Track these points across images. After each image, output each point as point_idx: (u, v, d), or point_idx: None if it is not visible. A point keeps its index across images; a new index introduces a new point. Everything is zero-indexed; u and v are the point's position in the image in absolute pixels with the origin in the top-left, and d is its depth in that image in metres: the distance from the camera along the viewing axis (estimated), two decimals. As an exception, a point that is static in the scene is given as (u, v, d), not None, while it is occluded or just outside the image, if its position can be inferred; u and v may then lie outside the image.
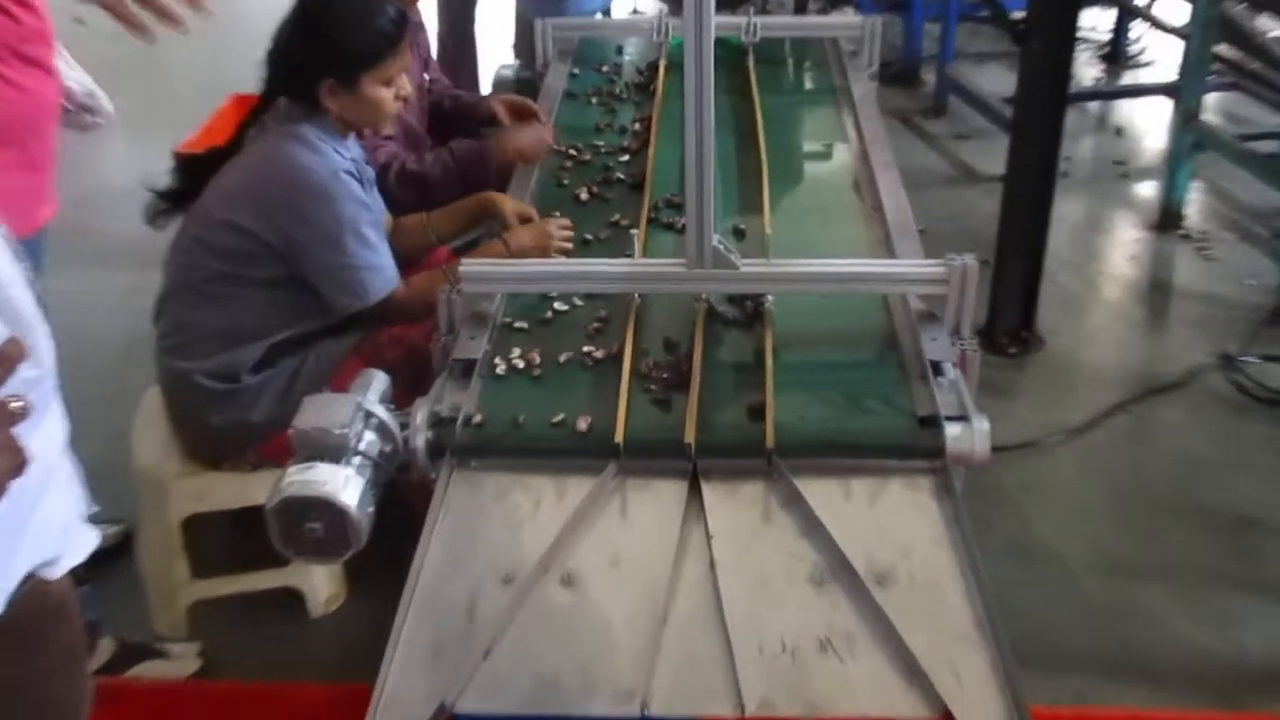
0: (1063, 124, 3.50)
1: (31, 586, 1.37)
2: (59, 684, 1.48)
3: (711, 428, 2.00)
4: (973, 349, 2.17)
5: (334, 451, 1.77)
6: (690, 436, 1.95)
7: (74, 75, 2.48)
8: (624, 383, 2.05)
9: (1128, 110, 5.39)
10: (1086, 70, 5.78)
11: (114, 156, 4.73)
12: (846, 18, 3.91)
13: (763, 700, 1.64)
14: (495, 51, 5.01)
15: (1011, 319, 3.66)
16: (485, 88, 4.39)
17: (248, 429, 2.50)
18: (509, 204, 2.72)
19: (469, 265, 2.23)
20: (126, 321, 3.64)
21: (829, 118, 3.21)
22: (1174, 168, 4.34)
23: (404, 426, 1.93)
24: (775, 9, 6.23)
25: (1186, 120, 4.28)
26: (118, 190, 4.17)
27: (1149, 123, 5.24)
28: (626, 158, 3.01)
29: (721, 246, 2.14)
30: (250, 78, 2.50)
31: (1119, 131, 5.21)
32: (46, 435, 1.35)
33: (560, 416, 2.02)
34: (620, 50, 3.67)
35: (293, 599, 2.67)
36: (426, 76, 3.26)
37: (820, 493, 1.90)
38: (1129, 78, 5.74)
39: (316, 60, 2.41)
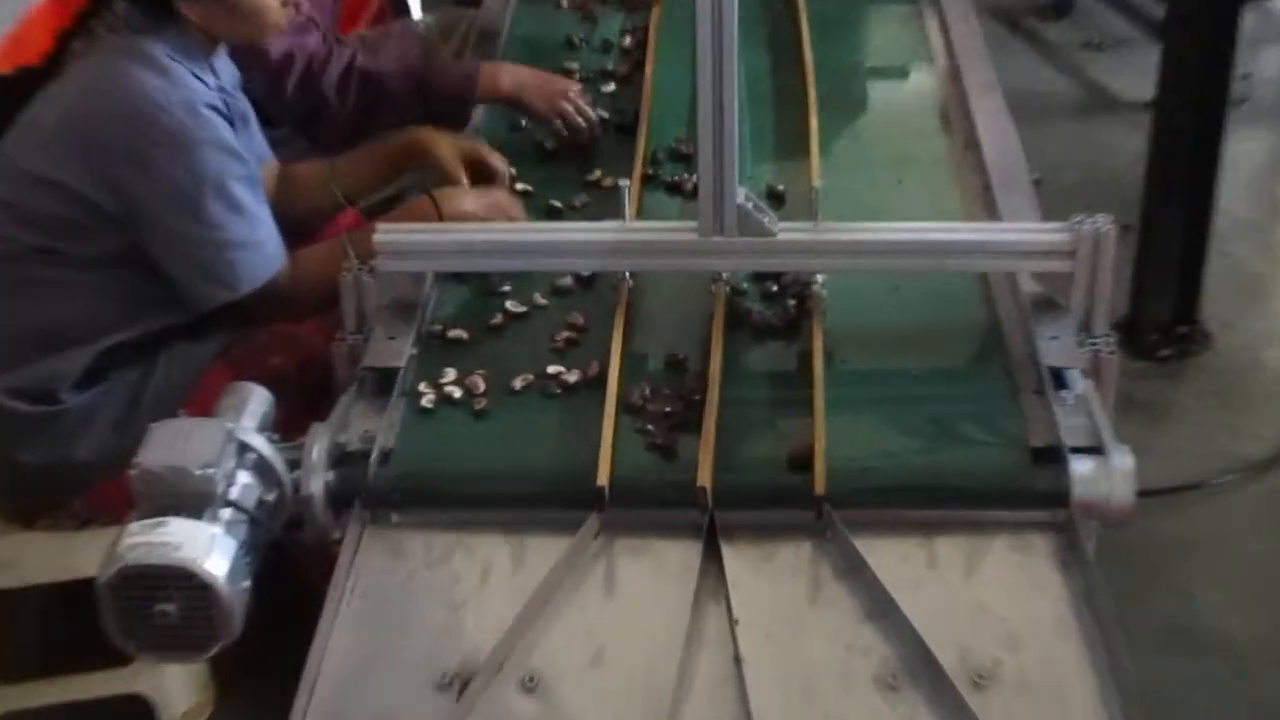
0: (1237, 28, 3.50)
1: None
2: None
3: (735, 465, 2.00)
4: (1109, 351, 2.17)
5: (194, 501, 1.77)
6: (705, 478, 1.95)
7: None
8: (608, 419, 2.05)
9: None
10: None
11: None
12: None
13: None
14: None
15: (1164, 307, 3.67)
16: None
17: (70, 469, 2.50)
18: (447, 147, 2.73)
19: (386, 232, 2.23)
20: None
21: (902, 22, 3.22)
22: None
23: (294, 465, 1.93)
24: None
25: None
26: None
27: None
28: (612, 87, 3.01)
29: (750, 205, 2.14)
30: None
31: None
32: None
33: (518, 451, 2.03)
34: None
35: (138, 713, 2.66)
36: None
37: (891, 558, 1.90)
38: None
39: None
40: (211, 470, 1.78)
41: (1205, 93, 3.54)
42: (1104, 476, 1.92)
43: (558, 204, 2.64)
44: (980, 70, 2.94)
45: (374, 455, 1.99)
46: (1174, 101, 3.61)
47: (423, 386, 2.15)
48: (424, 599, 1.91)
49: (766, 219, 2.16)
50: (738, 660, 1.81)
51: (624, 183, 2.28)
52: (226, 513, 1.79)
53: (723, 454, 2.00)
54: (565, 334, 2.26)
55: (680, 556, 1.93)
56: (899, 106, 2.94)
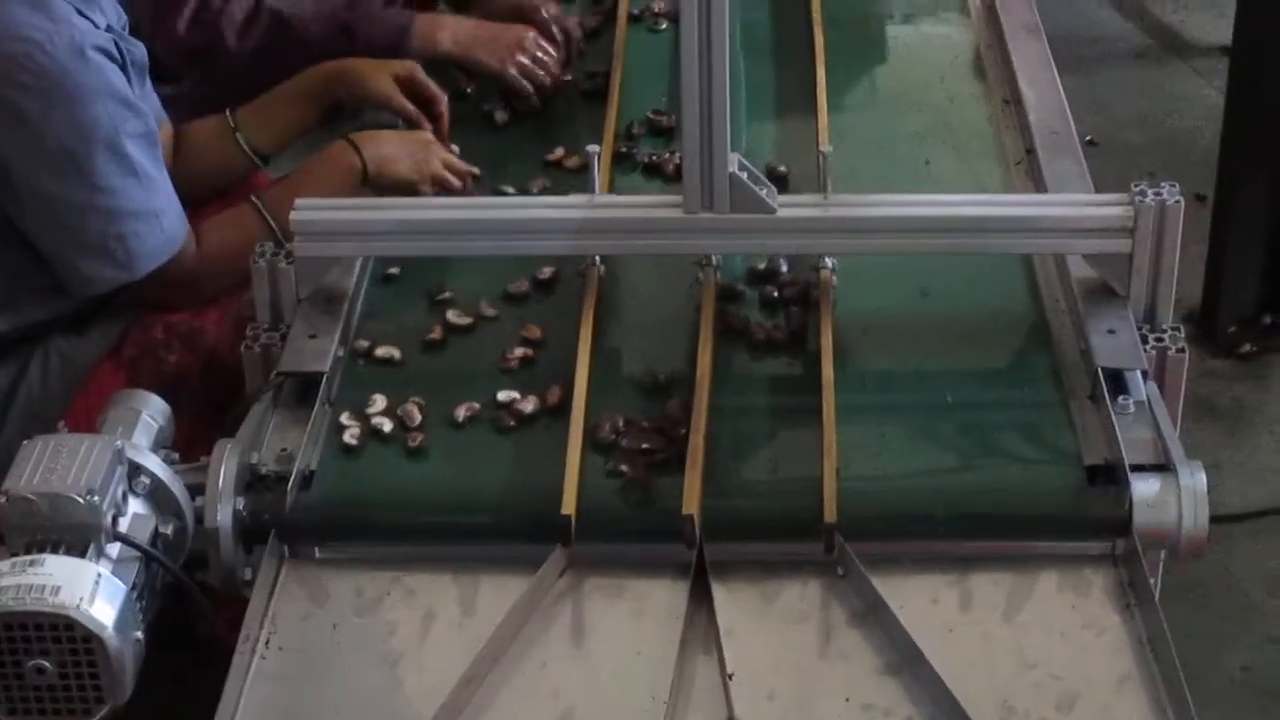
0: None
1: None
2: None
3: (729, 489, 2.01)
4: (1178, 348, 2.18)
5: (76, 534, 1.76)
6: (692, 505, 1.95)
7: None
8: (574, 455, 2.05)
9: None
10: None
11: None
12: None
13: None
14: None
15: (1246, 294, 3.67)
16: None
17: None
18: (379, 77, 2.73)
19: (306, 209, 2.23)
20: None
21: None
22: None
23: (196, 491, 1.93)
24: None
25: None
26: None
27: None
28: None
29: (744, 174, 2.15)
30: None
31: None
32: None
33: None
34: None
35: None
36: None
37: (918, 599, 1.91)
38: None
39: None
40: (96, 498, 1.77)
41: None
42: (1172, 500, 1.93)
43: (510, 189, 2.63)
44: (1021, 9, 2.96)
45: (292, 479, 2.00)
46: (1256, 46, 3.62)
47: (345, 418, 2.12)
48: (353, 652, 1.91)
49: (764, 191, 2.17)
50: (733, 725, 1.82)
51: (592, 149, 2.29)
52: (115, 549, 1.79)
53: (713, 475, 2.01)
54: (519, 351, 2.24)
55: (663, 599, 1.94)
56: (923, 55, 2.95)
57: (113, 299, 2.53)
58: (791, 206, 2.20)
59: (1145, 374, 2.11)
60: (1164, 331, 2.20)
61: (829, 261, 2.30)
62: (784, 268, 2.33)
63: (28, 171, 2.41)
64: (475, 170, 2.65)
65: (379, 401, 2.15)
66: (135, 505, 1.85)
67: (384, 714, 1.84)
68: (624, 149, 2.69)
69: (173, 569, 1.86)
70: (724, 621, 1.91)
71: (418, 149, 2.59)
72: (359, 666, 1.89)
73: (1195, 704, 1.78)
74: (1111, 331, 2.17)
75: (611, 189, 2.55)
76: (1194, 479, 1.94)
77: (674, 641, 1.88)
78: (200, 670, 1.98)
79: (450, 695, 1.82)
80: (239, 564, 1.96)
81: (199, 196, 2.68)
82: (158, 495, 1.87)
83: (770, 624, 1.91)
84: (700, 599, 1.94)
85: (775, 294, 2.30)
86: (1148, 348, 2.16)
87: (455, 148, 2.69)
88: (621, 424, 2.09)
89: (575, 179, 2.39)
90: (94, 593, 1.72)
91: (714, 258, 2.33)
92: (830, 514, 1.93)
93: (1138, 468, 1.96)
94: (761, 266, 2.34)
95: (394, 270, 2.38)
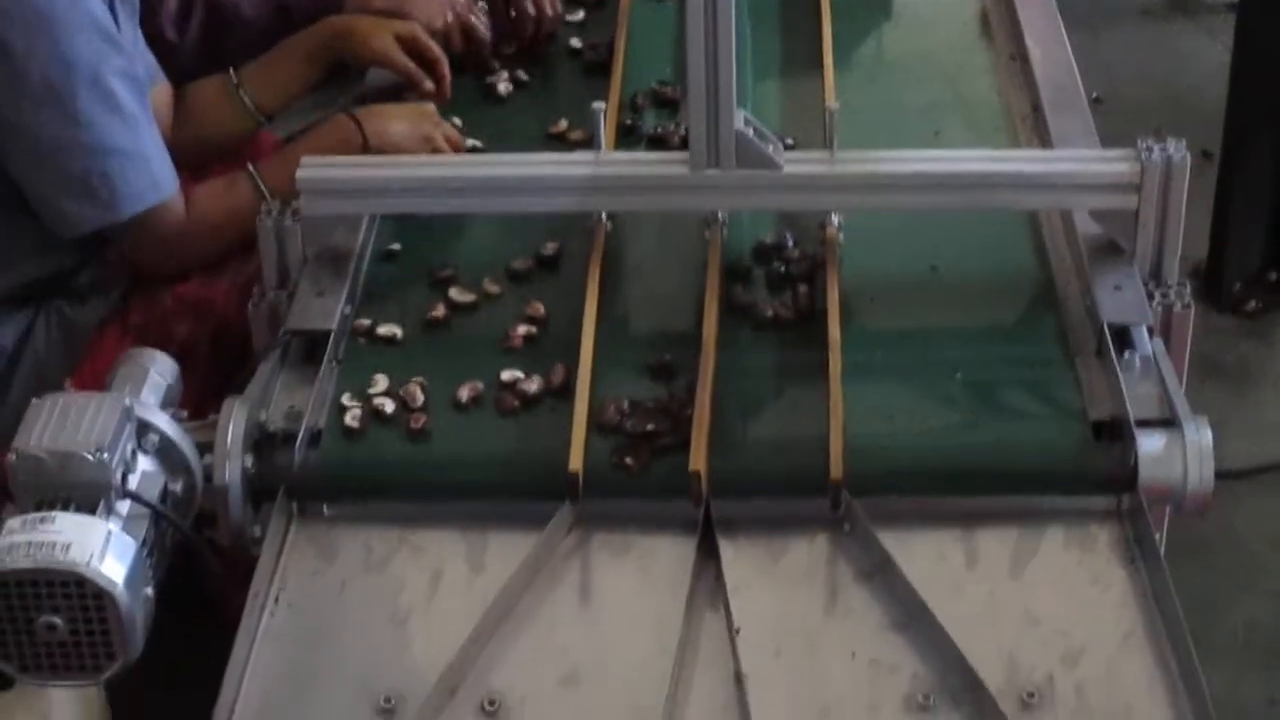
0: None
1: None
2: None
3: (736, 446, 2.02)
4: (1184, 304, 2.19)
5: (86, 492, 1.77)
6: (699, 462, 1.96)
7: None
8: (580, 412, 2.05)
9: None
10: None
11: None
12: None
13: None
14: None
15: (1251, 251, 3.68)
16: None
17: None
18: (380, 36, 2.72)
19: (311, 168, 2.24)
20: None
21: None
22: None
23: (205, 449, 1.94)
24: None
25: None
26: None
27: None
28: (580, 15, 3.00)
29: (751, 131, 2.15)
30: None
31: None
32: None
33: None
34: None
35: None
36: None
37: (925, 555, 1.92)
38: None
39: None
40: (106, 455, 1.78)
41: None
42: (1177, 455, 1.94)
43: None
44: (1028, -34, 2.95)
45: (301, 437, 2.01)
46: (1264, 3, 3.61)
47: (346, 399, 2.10)
48: (362, 610, 1.92)
49: (771, 147, 2.17)
50: (740, 680, 1.83)
51: (598, 105, 2.30)
52: (124, 506, 1.80)
53: (720, 433, 2.02)
54: (523, 329, 2.21)
55: (670, 555, 1.95)
56: (929, 13, 2.94)
57: (107, 257, 2.53)
58: (798, 163, 2.20)
59: (1151, 330, 2.12)
60: (1170, 287, 2.20)
61: (835, 219, 2.31)
62: (790, 242, 2.32)
63: (12, 106, 2.40)
64: (478, 145, 2.65)
65: (381, 382, 2.12)
66: (144, 463, 1.85)
67: (392, 671, 1.85)
68: (628, 121, 2.67)
69: (182, 526, 1.88)
70: (731, 578, 1.92)
71: (419, 122, 2.58)
72: (368, 623, 1.91)
73: (1200, 659, 1.79)
74: (1117, 288, 2.17)
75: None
76: (1199, 434, 1.94)
77: (681, 598, 1.90)
78: (208, 632, 1.99)
79: (458, 652, 1.84)
80: (248, 521, 1.98)
81: (201, 159, 2.70)
82: (167, 453, 1.88)
83: (777, 580, 1.93)
84: (707, 556, 1.95)
85: (783, 269, 2.28)
86: (1153, 304, 2.17)
87: (457, 120, 2.68)
88: (626, 406, 2.07)
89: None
90: (104, 550, 1.73)
91: (720, 216, 2.33)
92: (837, 471, 1.94)
93: (1143, 423, 1.96)
94: (768, 240, 2.33)
95: (395, 247, 2.37)
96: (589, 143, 2.29)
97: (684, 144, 2.29)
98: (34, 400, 1.85)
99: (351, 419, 2.06)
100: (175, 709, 2.15)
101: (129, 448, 1.83)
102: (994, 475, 1.99)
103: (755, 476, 1.99)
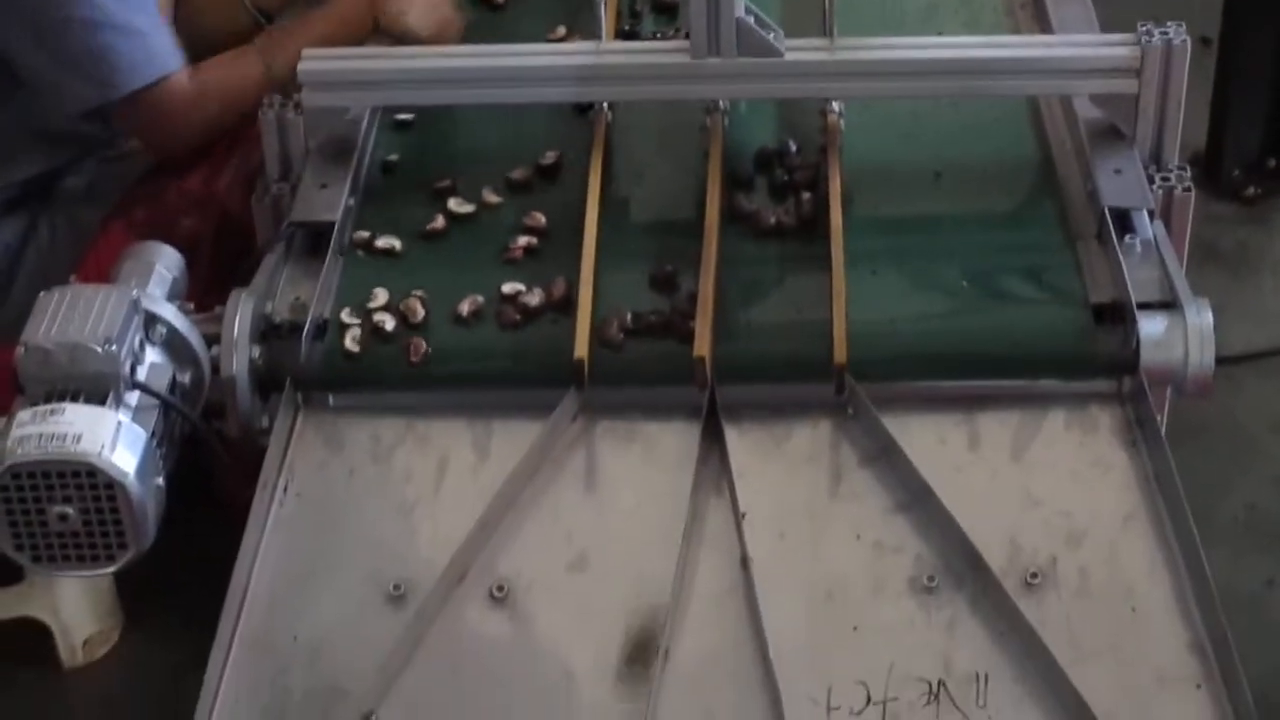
0: None
1: None
2: None
3: (740, 332, 2.03)
4: (1184, 188, 2.19)
5: (95, 384, 1.78)
6: (704, 347, 1.97)
7: None
8: (585, 296, 2.04)
9: None
10: None
11: None
12: None
13: (836, 789, 1.69)
14: None
15: (1250, 137, 3.67)
16: None
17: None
18: None
19: (313, 60, 2.23)
20: None
21: None
22: None
23: (212, 341, 1.95)
24: None
25: None
26: None
27: None
28: None
29: (751, 19, 2.15)
30: None
31: None
32: None
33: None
34: None
35: (32, 640, 2.70)
36: None
37: (927, 438, 1.93)
38: None
39: None
40: (114, 347, 1.78)
41: None
42: (1178, 337, 1.95)
43: None
44: None
45: (307, 328, 2.01)
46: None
47: (346, 315, 2.07)
48: (370, 499, 1.94)
49: (772, 35, 2.17)
50: (745, 563, 1.85)
51: (599, -4, 2.30)
52: (134, 397, 1.81)
53: (724, 319, 2.03)
54: (523, 240, 2.17)
55: (676, 441, 1.96)
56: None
57: (109, 154, 2.53)
58: (798, 50, 2.19)
59: (1151, 213, 2.12)
60: (1170, 171, 2.20)
61: (836, 106, 2.30)
62: (792, 149, 2.30)
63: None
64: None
65: (380, 296, 2.09)
66: (152, 355, 1.86)
67: (401, 558, 1.87)
68: (626, 27, 2.62)
69: (191, 417, 1.89)
70: (735, 463, 1.93)
71: (433, 7, 2.55)
72: (376, 512, 1.93)
73: (1200, 541, 1.81)
74: (1118, 172, 2.17)
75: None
76: (1200, 317, 1.95)
77: (687, 484, 1.91)
78: (214, 525, 2.01)
79: (466, 539, 1.86)
80: (255, 412, 1.99)
81: (199, 58, 2.67)
82: (174, 345, 1.89)
83: (781, 465, 1.94)
84: (712, 442, 1.96)
85: (785, 177, 2.25)
86: (1154, 188, 2.17)
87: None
88: (629, 319, 2.04)
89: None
90: (115, 440, 1.74)
91: (721, 105, 2.33)
92: (840, 355, 1.95)
93: (1144, 306, 1.97)
94: (770, 147, 2.30)
95: (393, 158, 2.35)
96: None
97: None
98: (42, 293, 1.86)
99: (351, 341, 2.03)
100: (183, 601, 2.18)
101: (137, 339, 1.84)
102: (996, 359, 2.00)
103: (760, 361, 2.00)
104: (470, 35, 2.65)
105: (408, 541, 1.89)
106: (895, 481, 1.91)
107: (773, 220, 2.18)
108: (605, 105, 2.33)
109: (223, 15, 2.77)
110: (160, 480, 1.79)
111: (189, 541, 1.89)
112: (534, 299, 2.07)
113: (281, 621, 1.83)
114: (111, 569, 1.79)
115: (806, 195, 2.20)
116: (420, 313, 2.06)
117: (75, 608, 2.72)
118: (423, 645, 1.80)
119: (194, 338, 1.91)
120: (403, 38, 2.52)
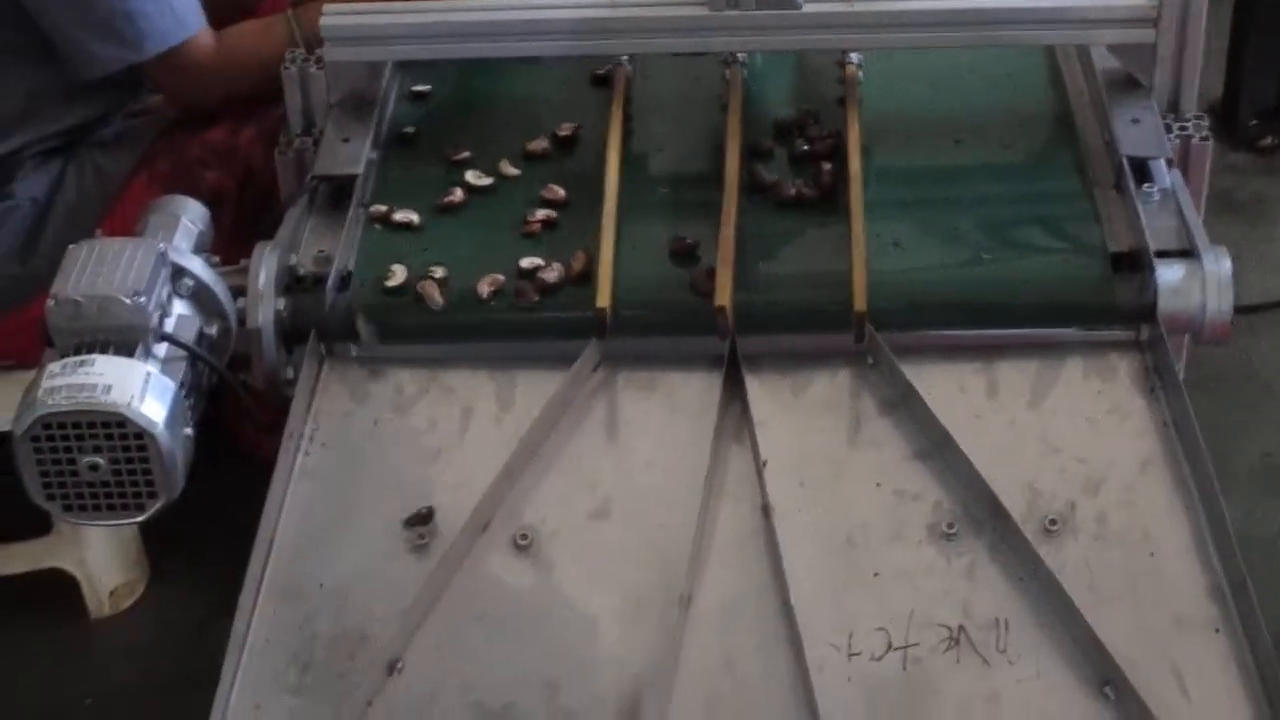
0: None
1: None
2: None
3: (760, 282, 2.04)
4: (1202, 137, 2.20)
5: (124, 335, 1.79)
6: (724, 297, 1.98)
7: None
8: (606, 249, 2.04)
9: None
10: None
11: None
12: None
13: (857, 733, 1.70)
14: None
15: (1268, 87, 3.66)
16: None
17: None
18: None
19: (334, 14, 2.24)
20: None
21: None
22: None
23: (238, 293, 1.96)
24: None
25: None
26: None
27: None
28: None
29: (769, -28, 2.15)
30: None
31: None
32: None
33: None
34: None
35: (59, 591, 2.72)
36: None
37: (947, 387, 1.94)
38: None
39: None
40: (143, 299, 1.79)
41: None
42: (1196, 285, 1.95)
43: None
44: None
45: (330, 280, 2.02)
46: None
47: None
48: (395, 448, 1.95)
49: (792, -15, 2.17)
50: (766, 510, 1.86)
51: (617, -52, 2.30)
52: (162, 348, 1.82)
53: (745, 269, 2.03)
54: (541, 213, 2.14)
55: (697, 391, 1.97)
56: None
57: (135, 108, 2.54)
58: (816, 2, 2.19)
59: (1170, 162, 2.13)
60: (1188, 121, 2.21)
61: (854, 58, 2.31)
62: (811, 120, 2.27)
63: None
64: None
65: (398, 273, 2.06)
66: (180, 307, 1.87)
67: (426, 506, 1.87)
68: None
69: (218, 367, 1.90)
70: (757, 412, 1.94)
71: None
72: (401, 461, 1.94)
73: (1218, 489, 1.82)
74: (1135, 121, 2.17)
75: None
76: (1219, 264, 1.96)
77: (708, 432, 1.92)
78: (239, 475, 2.02)
79: (489, 488, 1.86)
80: (280, 363, 2.00)
81: (218, 11, 2.70)
82: (201, 297, 1.90)
83: (801, 413, 1.95)
84: (733, 391, 1.97)
85: (805, 148, 2.23)
86: (1171, 137, 2.18)
87: None
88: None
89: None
90: (144, 391, 1.75)
91: (740, 58, 2.33)
92: (860, 303, 1.95)
93: (1162, 254, 1.97)
94: (789, 118, 2.29)
95: (410, 129, 2.33)
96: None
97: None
98: (70, 246, 1.87)
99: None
100: (206, 552, 2.20)
101: (165, 292, 1.85)
102: (1014, 307, 2.00)
103: (780, 311, 2.01)
104: None
105: (433, 490, 1.90)
106: (915, 429, 1.92)
107: (793, 191, 2.16)
108: (624, 63, 2.33)
109: None
110: (189, 430, 1.81)
111: (211, 494, 1.90)
112: (553, 275, 2.04)
113: (308, 569, 1.84)
114: (141, 518, 1.80)
115: (827, 166, 2.18)
116: (438, 300, 2.03)
117: (101, 559, 2.74)
118: (447, 593, 1.81)
119: (220, 290, 1.93)
120: None
